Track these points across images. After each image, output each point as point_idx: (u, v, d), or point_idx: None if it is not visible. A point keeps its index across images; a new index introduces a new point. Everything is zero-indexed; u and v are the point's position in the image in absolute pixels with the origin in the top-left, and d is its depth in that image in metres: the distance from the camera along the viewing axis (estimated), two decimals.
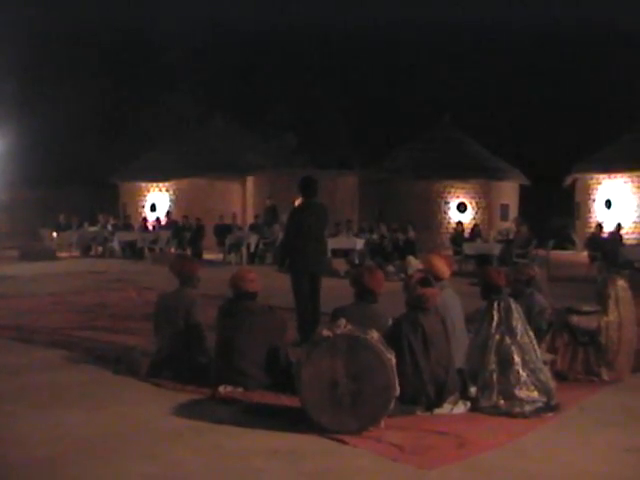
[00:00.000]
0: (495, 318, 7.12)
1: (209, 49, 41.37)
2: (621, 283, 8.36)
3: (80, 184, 37.47)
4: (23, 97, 38.07)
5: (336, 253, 21.31)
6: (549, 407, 6.81)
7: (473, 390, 6.97)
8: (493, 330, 7.07)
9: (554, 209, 34.67)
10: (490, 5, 43.79)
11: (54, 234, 27.59)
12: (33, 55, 38.72)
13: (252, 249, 24.17)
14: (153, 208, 31.23)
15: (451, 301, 7.75)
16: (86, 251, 26.97)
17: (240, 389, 7.30)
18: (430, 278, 7.15)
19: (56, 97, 36.85)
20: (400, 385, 6.29)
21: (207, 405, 7.00)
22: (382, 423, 6.21)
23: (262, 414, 6.66)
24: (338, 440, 5.99)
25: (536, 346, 7.15)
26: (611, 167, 29.68)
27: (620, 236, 22.71)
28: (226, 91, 41.52)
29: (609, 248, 20.51)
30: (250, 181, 31.33)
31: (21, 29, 38.54)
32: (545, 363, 7.31)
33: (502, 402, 6.80)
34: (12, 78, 37.93)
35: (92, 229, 27.96)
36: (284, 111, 42.21)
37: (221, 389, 7.31)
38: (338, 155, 41.15)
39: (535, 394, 6.84)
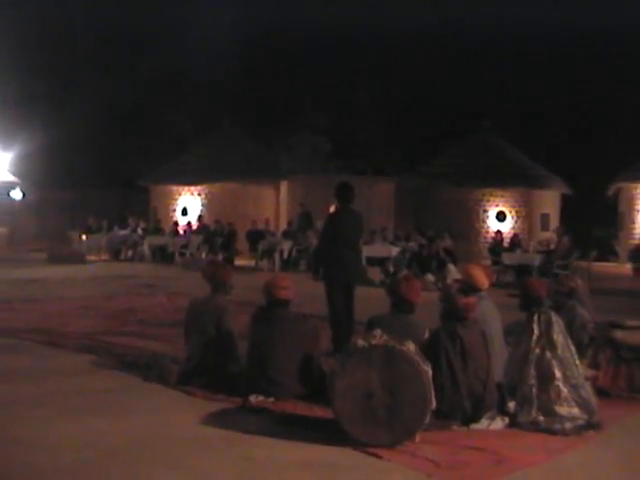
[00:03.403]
0: (535, 331, 7.07)
1: (241, 50, 41.54)
2: None
3: (110, 186, 37.80)
4: (53, 97, 38.52)
5: (371, 262, 21.27)
6: (590, 425, 6.74)
7: (511, 405, 6.92)
8: (533, 343, 7.02)
9: (597, 219, 34.38)
10: (533, 10, 43.46)
11: (83, 237, 27.81)
12: (64, 55, 39.15)
13: (285, 256, 24.21)
14: (184, 212, 31.36)
15: (490, 313, 7.71)
16: (116, 255, 27.16)
17: (272, 399, 7.31)
18: (468, 288, 7.12)
19: (88, 97, 37.18)
20: (436, 398, 6.28)
21: (238, 414, 7.02)
22: (417, 437, 6.20)
23: (294, 425, 6.66)
24: (371, 454, 5.97)
25: (577, 361, 7.09)
26: None
27: None
28: (260, 94, 41.67)
29: None
30: (284, 186, 31.38)
31: (50, 29, 38.98)
32: (587, 379, 7.25)
33: (541, 418, 6.74)
34: (42, 78, 38.41)
35: (122, 233, 28.13)
36: (319, 115, 42.33)
37: (252, 398, 7.32)
38: (374, 161, 41.23)
39: (576, 411, 6.78)
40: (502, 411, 6.86)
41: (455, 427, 6.59)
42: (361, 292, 10.58)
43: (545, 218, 30.79)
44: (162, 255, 26.14)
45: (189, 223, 28.69)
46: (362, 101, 43.42)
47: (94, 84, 38.27)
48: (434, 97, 42.10)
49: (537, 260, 21.12)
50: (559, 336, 7.05)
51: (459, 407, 6.64)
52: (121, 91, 38.89)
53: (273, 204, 31.43)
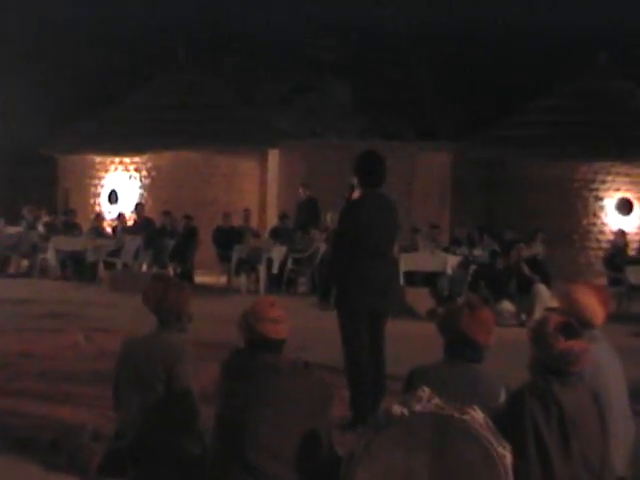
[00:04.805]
0: None
1: None
2: None
3: None
4: None
5: (413, 279, 21.30)
6: None
7: None
8: None
9: None
10: None
11: None
12: None
13: (276, 269, 24.24)
14: (113, 198, 31.43)
15: (607, 363, 7.70)
16: (2, 266, 27.22)
17: None
18: (575, 324, 7.11)
19: None
20: None
21: None
22: None
23: None
24: None
25: None
26: None
27: None
28: (238, 18, 41.75)
29: None
30: (274, 156, 31.40)
31: None
32: None
33: None
34: None
35: (12, 230, 28.20)
36: (333, 46, 42.35)
37: None
38: (418, 118, 41.27)
39: None
40: None
41: None
42: (397, 327, 10.60)
43: None
44: (78, 267, 26.20)
45: (121, 216, 28.75)
46: (399, 26, 43.41)
47: None
48: (513, 15, 42.08)
49: None
50: None
51: None
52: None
53: (256, 186, 31.50)
